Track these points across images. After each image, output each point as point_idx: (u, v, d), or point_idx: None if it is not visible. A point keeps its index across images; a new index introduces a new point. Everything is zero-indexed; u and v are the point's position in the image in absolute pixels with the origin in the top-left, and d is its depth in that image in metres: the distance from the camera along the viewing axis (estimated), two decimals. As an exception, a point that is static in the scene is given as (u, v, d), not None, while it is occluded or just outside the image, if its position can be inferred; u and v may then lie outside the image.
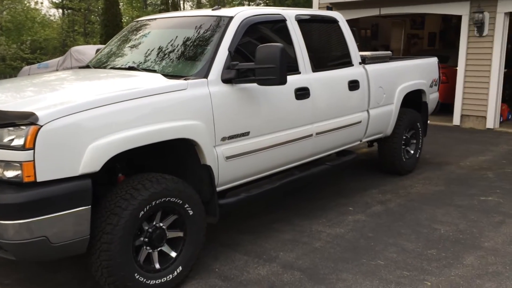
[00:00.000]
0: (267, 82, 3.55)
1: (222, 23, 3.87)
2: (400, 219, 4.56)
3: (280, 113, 4.02)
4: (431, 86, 6.30)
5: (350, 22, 11.05)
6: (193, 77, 3.51)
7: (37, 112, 2.68)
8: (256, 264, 3.67)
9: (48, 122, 2.68)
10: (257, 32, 4.11)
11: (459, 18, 9.61)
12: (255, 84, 3.64)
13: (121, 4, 21.79)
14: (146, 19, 4.68)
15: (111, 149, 2.88)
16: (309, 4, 14.27)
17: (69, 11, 27.22)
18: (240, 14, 3.93)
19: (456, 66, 9.66)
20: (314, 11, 4.98)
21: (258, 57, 3.52)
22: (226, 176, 3.67)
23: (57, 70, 11.51)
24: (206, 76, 3.54)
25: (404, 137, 5.86)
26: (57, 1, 26.88)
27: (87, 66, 4.37)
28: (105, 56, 4.45)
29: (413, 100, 6.08)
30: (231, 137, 3.63)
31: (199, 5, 31.50)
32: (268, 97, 3.89)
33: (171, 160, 3.58)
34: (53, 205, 2.68)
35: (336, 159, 4.95)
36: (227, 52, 3.68)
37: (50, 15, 29.34)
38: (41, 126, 2.65)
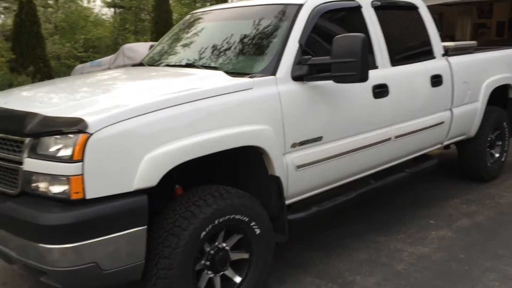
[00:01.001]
0: (346, 79, 3.03)
1: (290, 12, 3.38)
2: (494, 237, 3.91)
3: (356, 115, 3.50)
4: (518, 81, 5.53)
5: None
6: (259, 75, 3.05)
7: (86, 118, 2.31)
8: (331, 290, 3.18)
9: (100, 129, 2.30)
10: (329, 22, 3.60)
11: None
12: (328, 82, 3.13)
13: (171, 1, 21.68)
14: (202, 12, 4.26)
15: (170, 160, 2.48)
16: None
17: (120, 9, 27.59)
18: (310, 1, 3.42)
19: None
20: (393, -4, 4.38)
21: (336, 49, 3.00)
22: (296, 188, 3.19)
23: (109, 68, 11.46)
24: (274, 73, 3.07)
25: (489, 139, 5.16)
26: (109, 0, 27.33)
27: (141, 64, 4.01)
28: (158, 53, 4.07)
29: (498, 97, 5.35)
30: (302, 143, 3.15)
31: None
32: (343, 96, 3.38)
33: (234, 170, 3.15)
34: (105, 226, 2.30)
35: (415, 165, 4.35)
36: (297, 45, 3.19)
37: (103, 14, 29.92)
38: (91, 134, 2.27)
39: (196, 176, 3.10)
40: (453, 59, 4.54)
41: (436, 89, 4.24)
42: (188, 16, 4.36)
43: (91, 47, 22.42)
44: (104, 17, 29.67)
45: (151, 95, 2.66)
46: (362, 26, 3.72)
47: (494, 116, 5.14)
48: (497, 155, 5.36)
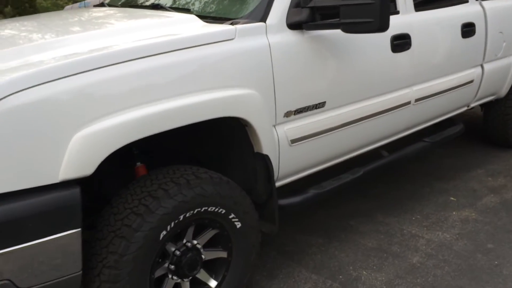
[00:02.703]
0: (360, 28, 2.28)
1: None
2: (528, 220, 3.29)
3: (369, 73, 2.77)
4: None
5: None
6: (244, 21, 2.31)
7: (-13, 81, 1.62)
8: (330, 291, 2.60)
9: (6, 96, 1.62)
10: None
11: None
12: (335, 31, 2.39)
13: None
14: None
15: (112, 140, 1.81)
16: None
17: None
18: None
19: None
20: None
21: (346, -12, 2.25)
22: (290, 167, 2.54)
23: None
24: (263, 19, 2.33)
25: (522, 99, 4.42)
26: None
27: (102, 4, 3.24)
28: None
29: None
30: (299, 111, 2.45)
31: None
32: (354, 49, 2.64)
33: (214, 146, 2.49)
34: (19, 232, 1.67)
35: (436, 132, 3.64)
36: (297, -19, 2.42)
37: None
38: (-5, 104, 1.60)
39: (168, 151, 2.46)
40: (488, 4, 3.73)
41: (467, 40, 3.46)
42: None
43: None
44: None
45: (87, 48, 1.94)
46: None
47: (529, 73, 4.37)
48: (530, 117, 4.63)
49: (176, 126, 1.98)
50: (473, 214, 3.37)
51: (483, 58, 3.73)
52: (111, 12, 2.86)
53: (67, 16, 2.91)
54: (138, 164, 2.31)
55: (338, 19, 2.31)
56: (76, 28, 2.57)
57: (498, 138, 4.53)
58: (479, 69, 3.72)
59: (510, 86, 4.20)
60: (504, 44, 3.92)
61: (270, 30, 2.32)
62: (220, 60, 2.15)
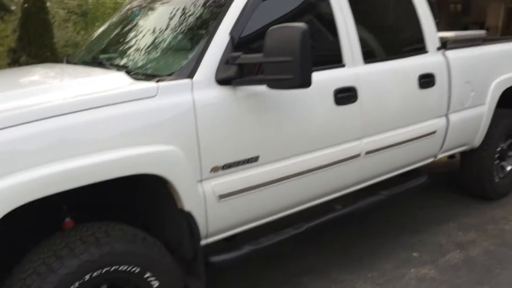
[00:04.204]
0: (283, 84, 2.30)
1: (226, -4, 2.64)
2: (487, 279, 3.13)
3: (308, 127, 2.75)
4: (539, 78, 4.61)
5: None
6: (170, 78, 2.35)
7: None
8: None
9: None
10: (280, 8, 2.82)
11: None
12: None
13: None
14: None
15: (11, 197, 1.82)
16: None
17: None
18: (253, -20, 2.67)
19: None
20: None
21: (269, 45, 2.27)
22: (220, 223, 2.50)
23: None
24: (191, 76, 2.36)
25: (498, 149, 4.30)
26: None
27: (67, 61, 3.34)
28: (86, 46, 3.40)
29: (510, 98, 4.46)
30: (228, 166, 2.44)
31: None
32: (290, 103, 2.63)
33: (142, 202, 2.48)
34: None
35: (398, 184, 3.55)
36: (227, 38, 2.45)
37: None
38: None
39: (96, 206, 2.47)
40: (453, 54, 3.70)
41: (426, 91, 3.42)
42: (128, 1, 3.66)
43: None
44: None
45: (11, 106, 1.99)
46: (327, 15, 2.95)
47: (505, 122, 4.27)
48: (508, 168, 4.49)
49: (84, 183, 1.99)
50: (432, 271, 3.23)
51: (448, 108, 3.67)
52: (56, 69, 2.95)
53: (19, 73, 3.02)
54: (67, 220, 2.31)
55: (263, 76, 2.33)
56: (19, 84, 2.65)
57: (474, 190, 4.39)
58: (443, 120, 3.65)
59: (484, 135, 4.11)
60: (473, 94, 3.86)
61: (197, 86, 2.34)
62: (140, 116, 2.17)
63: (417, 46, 3.49)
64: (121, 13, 3.45)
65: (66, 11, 19.48)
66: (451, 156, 4.55)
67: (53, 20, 13.49)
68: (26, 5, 11.44)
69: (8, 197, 1.81)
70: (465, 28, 10.66)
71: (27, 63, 10.79)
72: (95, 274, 2.01)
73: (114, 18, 3.49)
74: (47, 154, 1.92)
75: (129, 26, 3.14)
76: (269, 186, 2.61)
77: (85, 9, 21.90)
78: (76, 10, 21.25)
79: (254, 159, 2.53)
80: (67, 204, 2.31)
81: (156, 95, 2.23)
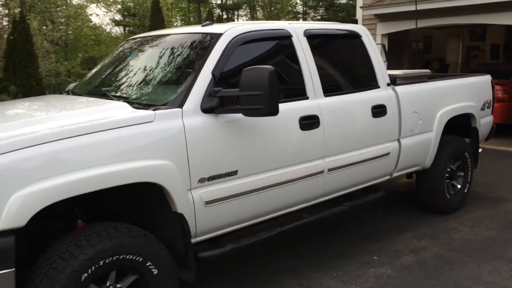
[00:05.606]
0: (254, 113, 2.92)
1: (209, 41, 3.30)
2: (434, 276, 3.70)
3: (278, 147, 3.36)
4: (482, 109, 5.34)
5: (399, 34, 10.03)
6: (164, 107, 2.96)
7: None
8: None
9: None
10: (254, 52, 3.50)
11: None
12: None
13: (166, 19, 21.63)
14: (138, 37, 4.20)
15: (39, 199, 2.36)
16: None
17: (129, 27, 27.74)
18: (231, 30, 3.34)
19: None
20: (332, 24, 4.28)
21: (243, 82, 2.91)
22: (207, 224, 3.05)
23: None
24: (181, 105, 2.97)
25: (448, 169, 4.96)
26: (117, 19, 27.59)
27: (68, 92, 3.96)
28: (87, 80, 4.03)
29: (461, 126, 5.18)
30: (213, 178, 3.02)
31: (253, 19, 31.20)
32: (262, 128, 3.25)
33: (140, 206, 3.03)
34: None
35: (358, 197, 4.17)
36: (210, 76, 3.09)
37: (112, 32, 30.09)
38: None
39: (104, 212, 3.00)
40: (401, 88, 4.40)
41: (379, 119, 4.09)
42: (124, 41, 4.32)
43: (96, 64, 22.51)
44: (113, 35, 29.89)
45: (31, 129, 2.57)
46: (292, 56, 3.62)
47: (453, 146, 4.96)
48: (458, 186, 5.15)
49: (97, 188, 2.54)
50: (389, 271, 3.80)
51: (399, 134, 4.34)
52: (71, 100, 3.55)
53: (28, 104, 3.60)
54: (79, 221, 2.85)
55: (240, 106, 2.95)
56: (29, 112, 3.25)
57: (429, 205, 5.02)
58: (395, 143, 4.31)
59: (433, 157, 4.77)
60: (421, 121, 4.55)
61: (186, 114, 2.95)
62: (141, 137, 2.76)
63: (370, 82, 4.18)
64: (117, 52, 4.10)
65: (49, 44, 20.05)
66: (409, 176, 5.22)
67: (37, 51, 14.11)
68: (12, 37, 12.08)
69: (41, 197, 2.36)
70: (427, 63, 11.62)
71: (16, 93, 11.36)
72: (107, 261, 2.54)
73: (108, 59, 4.13)
74: (76, 164, 2.49)
75: (127, 64, 3.79)
76: (247, 195, 3.19)
77: (66, 40, 22.51)
78: (59, 41, 21.85)
79: (234, 173, 3.11)
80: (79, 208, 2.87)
81: (153, 120, 2.83)
